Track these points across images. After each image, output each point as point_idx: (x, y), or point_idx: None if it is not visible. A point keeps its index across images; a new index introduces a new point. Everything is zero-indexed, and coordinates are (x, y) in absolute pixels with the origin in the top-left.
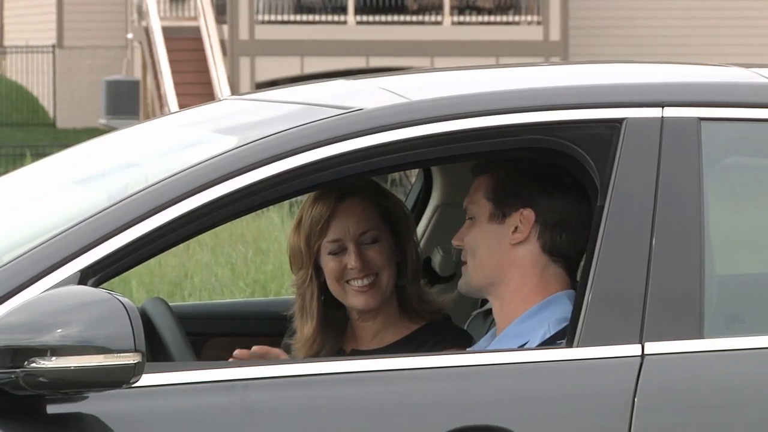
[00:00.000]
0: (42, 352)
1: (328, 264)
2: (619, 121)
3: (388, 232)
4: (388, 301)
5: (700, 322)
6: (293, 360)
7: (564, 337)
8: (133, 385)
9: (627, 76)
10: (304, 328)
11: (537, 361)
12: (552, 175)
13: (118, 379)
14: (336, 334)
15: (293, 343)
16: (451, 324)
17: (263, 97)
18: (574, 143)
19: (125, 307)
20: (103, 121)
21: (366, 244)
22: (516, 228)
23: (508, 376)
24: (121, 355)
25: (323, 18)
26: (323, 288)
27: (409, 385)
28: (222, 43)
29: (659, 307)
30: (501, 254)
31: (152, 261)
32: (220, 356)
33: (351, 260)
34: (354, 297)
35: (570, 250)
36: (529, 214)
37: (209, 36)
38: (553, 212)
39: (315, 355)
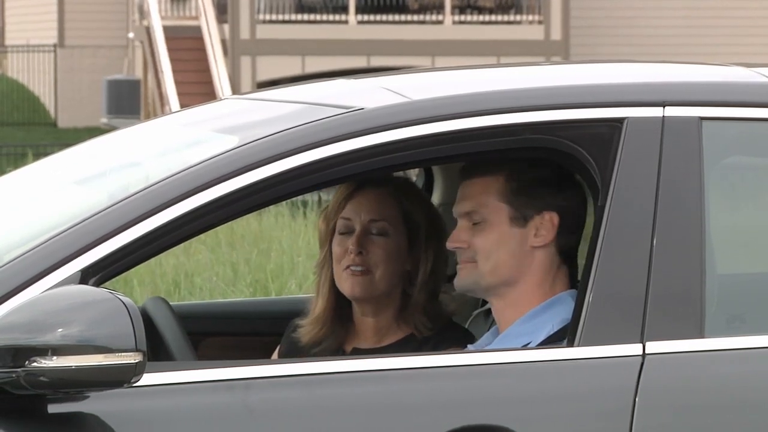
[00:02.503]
0: (43, 351)
1: (335, 247)
2: (620, 121)
3: (403, 235)
4: (388, 303)
5: (701, 321)
6: (294, 360)
7: (565, 335)
8: (134, 385)
9: (628, 75)
10: (316, 307)
11: (538, 361)
12: (564, 175)
13: (119, 378)
14: (342, 330)
15: (302, 324)
16: (452, 324)
17: (264, 96)
18: (575, 143)
19: (126, 307)
20: (104, 120)
21: (372, 234)
22: (536, 231)
23: (509, 376)
24: (122, 354)
25: (324, 17)
26: None
27: (409, 385)
28: (223, 42)
29: (660, 307)
30: (521, 257)
31: (153, 260)
32: (221, 356)
33: (351, 241)
34: (344, 280)
35: (575, 249)
36: (553, 217)
37: (210, 35)
38: (572, 214)
39: (318, 343)
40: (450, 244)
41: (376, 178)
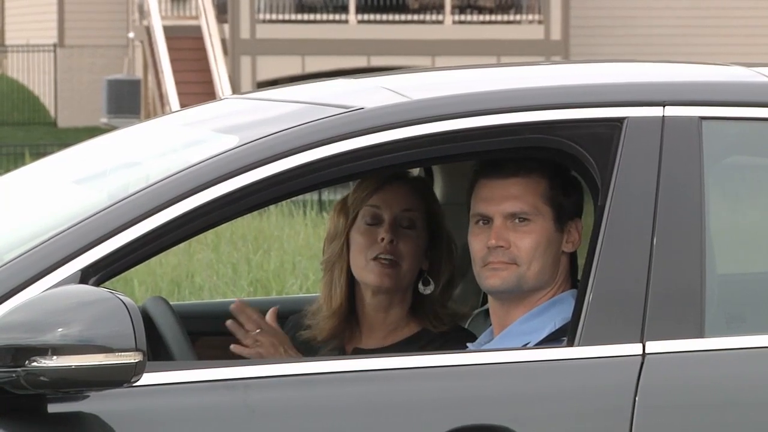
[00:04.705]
0: (43, 351)
1: (358, 237)
2: (620, 120)
3: (425, 232)
4: (402, 299)
5: (701, 321)
6: (294, 359)
7: (566, 333)
8: (134, 385)
9: (628, 75)
10: (332, 302)
11: (538, 360)
12: (582, 180)
13: (119, 378)
14: (347, 328)
15: (315, 320)
16: (460, 327)
17: (264, 96)
18: (575, 142)
19: (126, 306)
20: (104, 120)
21: (402, 227)
22: (568, 236)
23: (509, 375)
24: (122, 354)
25: (324, 17)
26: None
27: (409, 385)
28: (223, 42)
29: (660, 306)
30: (556, 260)
31: (153, 260)
32: (221, 355)
33: (382, 231)
34: (371, 271)
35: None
36: (578, 223)
37: (210, 35)
38: (590, 217)
39: (334, 336)
40: (493, 242)
41: (399, 176)
